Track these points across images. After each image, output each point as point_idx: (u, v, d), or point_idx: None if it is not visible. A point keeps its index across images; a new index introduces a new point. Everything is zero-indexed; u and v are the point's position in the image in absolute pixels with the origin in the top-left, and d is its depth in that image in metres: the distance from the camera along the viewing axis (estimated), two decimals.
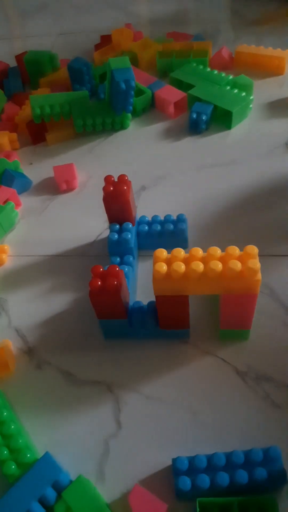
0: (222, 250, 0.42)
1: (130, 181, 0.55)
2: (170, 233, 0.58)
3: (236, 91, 0.79)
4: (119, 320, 0.49)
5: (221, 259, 0.41)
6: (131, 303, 0.51)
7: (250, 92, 0.82)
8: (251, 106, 0.80)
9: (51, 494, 0.40)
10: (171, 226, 0.59)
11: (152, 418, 0.46)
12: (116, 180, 0.54)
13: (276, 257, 0.58)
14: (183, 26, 1.10)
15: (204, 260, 0.41)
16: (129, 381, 0.49)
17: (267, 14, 1.07)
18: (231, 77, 0.83)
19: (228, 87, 0.80)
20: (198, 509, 0.37)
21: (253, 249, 0.41)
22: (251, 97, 0.79)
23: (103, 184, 0.54)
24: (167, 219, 0.60)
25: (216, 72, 0.85)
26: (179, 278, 0.41)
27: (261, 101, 0.83)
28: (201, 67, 0.87)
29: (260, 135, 0.76)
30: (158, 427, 0.45)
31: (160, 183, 0.71)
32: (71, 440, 0.45)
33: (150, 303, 0.51)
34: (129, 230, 0.56)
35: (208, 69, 0.86)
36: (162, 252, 0.43)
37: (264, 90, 0.85)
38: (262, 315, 0.51)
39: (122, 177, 0.54)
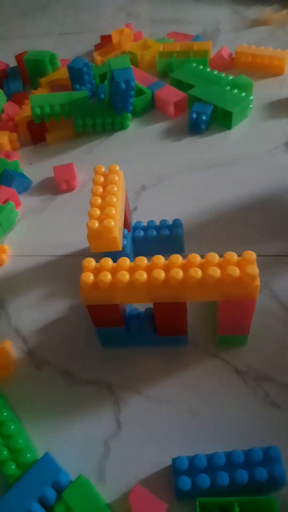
0: (222, 252, 0.42)
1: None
2: (166, 238, 0.58)
3: (236, 91, 0.79)
4: (116, 328, 0.48)
5: (219, 265, 0.41)
6: (128, 310, 0.51)
7: (250, 92, 0.82)
8: (251, 106, 0.80)
9: (51, 494, 0.40)
10: (167, 231, 0.58)
11: (152, 418, 0.46)
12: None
13: (276, 257, 0.58)
14: (183, 26, 1.10)
15: (202, 267, 0.41)
16: (129, 381, 0.49)
17: (267, 14, 1.07)
18: (231, 77, 0.83)
19: (228, 87, 0.80)
20: (198, 509, 0.37)
21: (251, 255, 0.40)
22: (251, 97, 0.79)
23: None
24: (162, 224, 0.59)
25: (216, 72, 0.85)
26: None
27: (261, 101, 0.83)
28: (201, 67, 0.87)
29: (260, 135, 0.76)
30: (158, 427, 0.45)
31: (160, 183, 0.71)
32: (71, 440, 0.45)
33: (147, 310, 0.50)
34: (125, 236, 0.56)
35: (208, 69, 0.86)
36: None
37: (264, 91, 0.85)
38: (262, 315, 0.51)
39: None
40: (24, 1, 1.41)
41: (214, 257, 0.41)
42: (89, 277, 0.42)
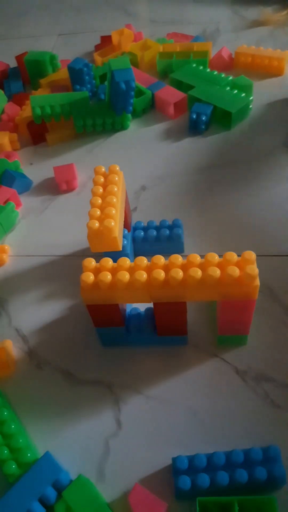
0: (222, 252, 0.42)
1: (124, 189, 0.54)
2: (166, 239, 0.58)
3: (236, 91, 0.79)
4: (116, 328, 0.48)
5: (219, 265, 0.41)
6: (128, 310, 0.51)
7: (249, 92, 0.82)
8: (251, 106, 0.80)
9: (51, 493, 0.40)
10: (167, 232, 0.58)
11: (152, 418, 0.46)
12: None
13: (276, 257, 0.58)
14: (183, 27, 1.10)
15: (202, 267, 0.41)
16: (129, 381, 0.49)
17: (267, 14, 1.07)
18: (231, 77, 0.83)
19: (228, 88, 0.81)
20: (198, 508, 0.37)
21: (251, 255, 0.40)
22: (251, 98, 0.79)
23: None
24: (162, 225, 0.60)
25: (216, 72, 0.85)
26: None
27: (261, 102, 0.83)
28: (201, 67, 0.87)
29: (260, 135, 0.76)
30: (158, 427, 0.45)
31: (160, 183, 0.71)
32: (71, 439, 0.45)
33: (147, 309, 0.50)
34: (125, 236, 0.56)
35: (208, 70, 0.87)
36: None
37: (264, 91, 0.85)
38: (262, 315, 0.51)
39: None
40: (24, 1, 1.41)
41: (214, 257, 0.41)
42: (89, 277, 0.42)
